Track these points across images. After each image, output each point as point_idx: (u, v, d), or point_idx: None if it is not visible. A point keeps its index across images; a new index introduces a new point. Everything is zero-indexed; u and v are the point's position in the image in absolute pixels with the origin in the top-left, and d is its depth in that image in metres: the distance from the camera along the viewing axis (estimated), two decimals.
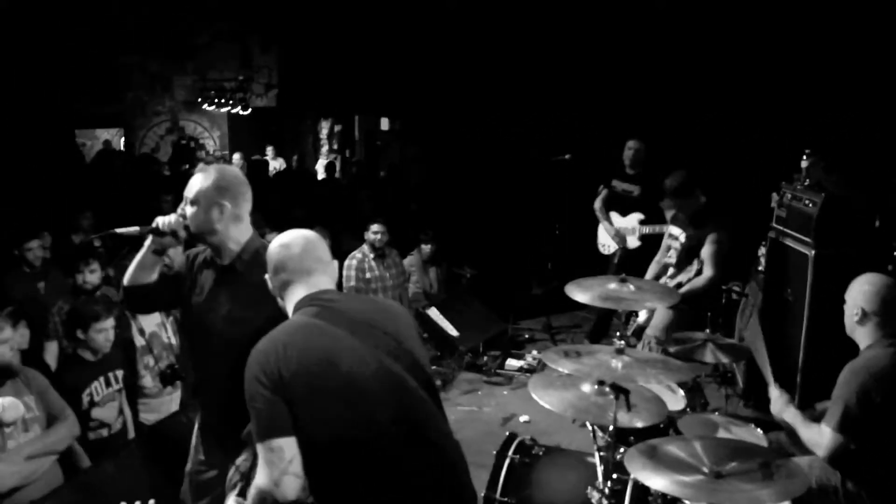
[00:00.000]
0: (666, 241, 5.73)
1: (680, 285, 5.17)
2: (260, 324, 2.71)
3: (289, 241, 2.58)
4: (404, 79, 11.72)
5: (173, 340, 4.82)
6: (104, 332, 4.27)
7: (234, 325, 2.97)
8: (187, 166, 13.40)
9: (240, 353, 2.66)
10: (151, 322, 4.74)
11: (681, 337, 4.28)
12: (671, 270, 5.44)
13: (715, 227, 5.23)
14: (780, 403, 3.66)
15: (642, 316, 5.40)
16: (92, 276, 5.18)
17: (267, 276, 2.59)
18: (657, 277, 5.59)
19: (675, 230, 5.59)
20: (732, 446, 3.01)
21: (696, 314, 5.10)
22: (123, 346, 4.57)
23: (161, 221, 3.07)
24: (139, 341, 4.67)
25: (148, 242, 3.15)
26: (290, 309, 2.52)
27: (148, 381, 4.67)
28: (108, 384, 4.32)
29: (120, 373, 4.42)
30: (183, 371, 4.65)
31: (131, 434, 4.51)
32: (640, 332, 5.38)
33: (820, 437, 3.34)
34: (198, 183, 3.04)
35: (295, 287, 2.53)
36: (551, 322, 7.74)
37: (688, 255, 5.32)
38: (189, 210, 3.04)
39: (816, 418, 3.59)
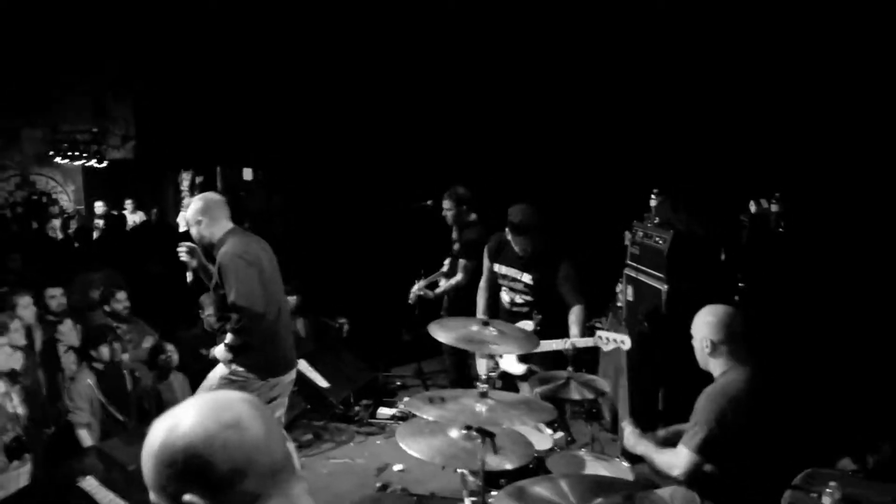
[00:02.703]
0: (495, 282, 5.50)
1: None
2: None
3: (236, 419, 1.41)
4: (266, 128, 11.61)
5: (20, 411, 4.51)
6: None
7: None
8: (36, 224, 12.78)
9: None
10: None
11: (544, 376, 4.36)
12: (536, 319, 5.17)
13: (559, 260, 5.20)
14: (632, 437, 3.80)
15: (510, 366, 5.28)
16: None
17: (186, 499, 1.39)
18: None
19: (504, 270, 5.40)
20: (597, 482, 3.07)
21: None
22: None
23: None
24: None
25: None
26: None
27: None
28: None
29: None
30: (31, 443, 4.38)
31: None
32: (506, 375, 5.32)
33: (676, 458, 3.47)
34: (189, 211, 4.75)
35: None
36: (422, 368, 7.73)
37: (543, 295, 5.23)
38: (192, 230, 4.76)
39: (664, 441, 3.74)
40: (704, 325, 3.63)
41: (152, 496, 1.41)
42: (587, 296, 5.22)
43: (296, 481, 1.45)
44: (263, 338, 4.61)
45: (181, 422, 1.39)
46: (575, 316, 5.07)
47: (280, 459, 1.42)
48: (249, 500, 1.37)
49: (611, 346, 4.88)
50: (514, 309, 5.40)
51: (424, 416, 3.27)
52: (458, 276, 6.27)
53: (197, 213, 4.69)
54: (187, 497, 1.35)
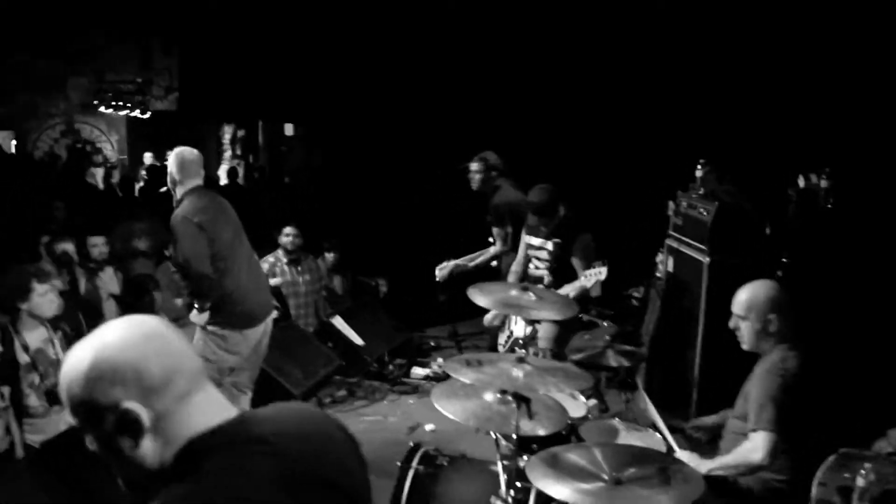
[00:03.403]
0: (526, 253, 5.66)
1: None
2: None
3: (158, 332, 1.54)
4: (309, 83, 11.60)
5: (62, 357, 4.58)
6: None
7: None
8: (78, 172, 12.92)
9: None
10: (37, 338, 4.46)
11: (582, 344, 4.34)
12: (547, 280, 5.33)
13: (577, 233, 5.30)
14: (695, 461, 3.50)
15: (519, 329, 5.30)
16: None
17: (127, 405, 1.45)
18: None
19: (534, 241, 5.55)
20: (631, 452, 3.05)
21: (579, 321, 5.16)
22: (7, 363, 4.33)
23: None
24: (23, 358, 4.39)
25: None
26: (178, 443, 1.49)
27: (33, 400, 4.40)
28: None
29: (6, 389, 4.20)
30: None
31: (20, 454, 4.31)
32: (516, 344, 5.32)
33: (752, 444, 3.32)
34: (168, 164, 4.85)
35: (194, 402, 1.52)
36: (457, 329, 7.73)
37: (559, 262, 5.32)
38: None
39: (711, 429, 3.69)
40: (767, 300, 3.46)
41: (74, 418, 1.50)
42: (626, 264, 5.21)
43: (209, 383, 1.58)
44: (226, 294, 4.78)
45: (107, 341, 1.50)
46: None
47: (199, 364, 1.57)
48: (180, 397, 1.49)
49: (592, 280, 4.88)
50: (535, 274, 5.50)
51: (461, 379, 3.27)
52: (497, 245, 6.23)
53: (172, 168, 4.81)
54: (126, 404, 1.45)
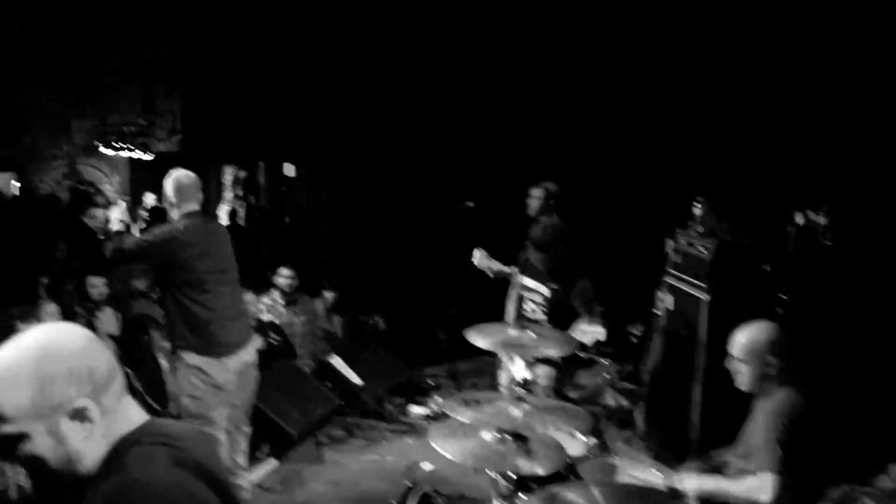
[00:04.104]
0: (520, 293, 5.51)
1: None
2: None
3: (89, 335, 1.66)
4: (309, 124, 11.68)
5: None
6: None
7: None
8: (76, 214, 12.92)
9: None
10: None
11: (581, 382, 4.32)
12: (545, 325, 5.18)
13: (576, 277, 5.19)
14: (692, 481, 3.51)
15: (518, 371, 5.19)
16: None
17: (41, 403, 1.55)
18: None
19: (529, 282, 5.40)
20: (630, 490, 3.03)
21: (578, 358, 5.10)
22: None
23: None
24: None
25: None
26: (112, 439, 1.64)
27: None
28: None
29: None
30: None
31: (13, 495, 4.27)
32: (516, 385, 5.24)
33: (760, 484, 3.28)
34: (164, 188, 4.79)
35: (125, 401, 1.71)
36: (456, 368, 7.71)
37: (556, 308, 5.20)
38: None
39: (716, 468, 3.63)
40: (768, 344, 3.44)
41: (23, 426, 1.52)
42: (624, 302, 5.18)
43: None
44: (204, 323, 4.62)
45: (44, 344, 1.56)
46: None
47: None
48: (119, 395, 1.65)
49: (588, 338, 4.81)
50: (531, 318, 5.37)
51: (459, 418, 3.25)
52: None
53: (168, 192, 4.79)
54: (81, 402, 1.55)
